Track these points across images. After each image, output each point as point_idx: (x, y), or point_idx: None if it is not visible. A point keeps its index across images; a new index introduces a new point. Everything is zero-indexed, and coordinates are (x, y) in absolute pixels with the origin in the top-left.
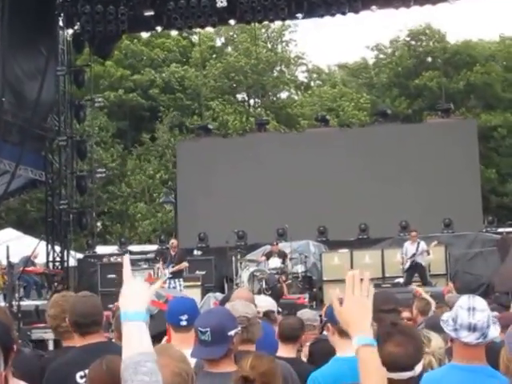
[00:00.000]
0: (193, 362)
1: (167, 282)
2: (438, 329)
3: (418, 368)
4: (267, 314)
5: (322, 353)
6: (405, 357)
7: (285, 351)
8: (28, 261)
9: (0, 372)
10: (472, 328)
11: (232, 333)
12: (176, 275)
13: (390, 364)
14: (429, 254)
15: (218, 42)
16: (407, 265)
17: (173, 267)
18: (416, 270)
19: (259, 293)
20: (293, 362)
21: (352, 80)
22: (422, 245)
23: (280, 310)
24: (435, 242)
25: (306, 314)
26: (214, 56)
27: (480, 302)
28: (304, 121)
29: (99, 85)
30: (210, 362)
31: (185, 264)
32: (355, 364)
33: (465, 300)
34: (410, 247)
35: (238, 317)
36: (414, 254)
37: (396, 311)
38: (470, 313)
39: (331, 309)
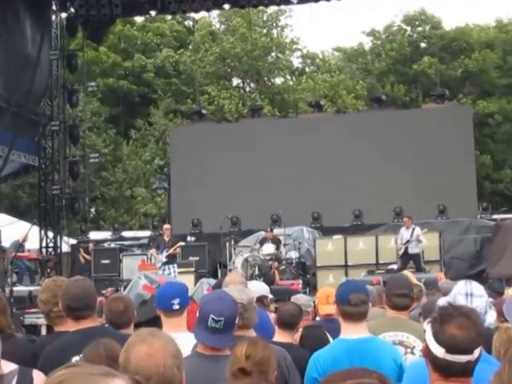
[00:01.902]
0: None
1: (161, 267)
2: None
3: (477, 352)
4: (260, 299)
5: (313, 337)
6: (466, 340)
7: (281, 337)
8: (19, 245)
9: None
10: None
11: (236, 321)
12: (170, 260)
13: (450, 346)
14: (421, 241)
15: (216, 27)
16: (401, 251)
17: (167, 251)
18: (410, 257)
19: (251, 278)
20: (288, 347)
21: (348, 66)
22: (417, 231)
23: (272, 296)
24: (425, 230)
25: (300, 299)
26: (210, 41)
27: (477, 288)
28: (298, 105)
29: (91, 71)
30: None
31: (180, 243)
32: (354, 346)
33: (462, 286)
34: (404, 233)
35: None
36: (408, 241)
37: (409, 297)
38: (468, 298)
39: (341, 290)
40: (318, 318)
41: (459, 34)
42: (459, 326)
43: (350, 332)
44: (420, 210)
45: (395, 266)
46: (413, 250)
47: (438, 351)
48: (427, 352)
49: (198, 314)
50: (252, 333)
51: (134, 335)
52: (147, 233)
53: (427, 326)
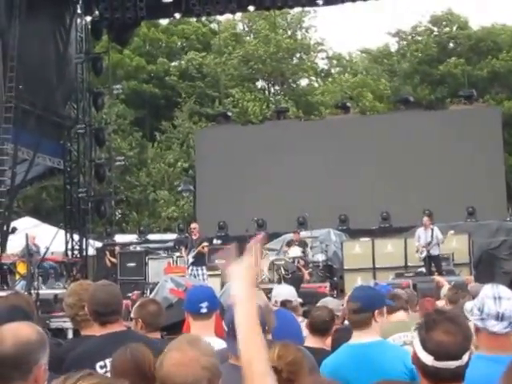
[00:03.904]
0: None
1: (189, 268)
2: None
3: (466, 357)
4: (284, 304)
5: (343, 341)
6: (454, 345)
7: (313, 342)
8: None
9: (41, 364)
10: (500, 317)
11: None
12: (199, 262)
13: (438, 353)
14: (442, 242)
15: (240, 29)
16: (423, 254)
17: (194, 251)
18: (431, 259)
19: (279, 281)
20: (320, 352)
21: (374, 67)
22: (436, 231)
23: (300, 300)
24: (452, 232)
25: (330, 302)
26: (234, 44)
27: (505, 291)
28: (323, 107)
29: (115, 75)
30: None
31: (204, 244)
32: (359, 351)
33: (489, 289)
34: (423, 234)
35: None
36: (429, 243)
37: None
38: (497, 301)
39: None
40: (346, 322)
41: (486, 34)
42: (445, 331)
43: (357, 337)
44: (449, 212)
45: (425, 269)
46: (434, 251)
47: (426, 359)
48: (416, 359)
49: (225, 327)
50: (269, 337)
51: (174, 340)
52: (173, 236)
53: (414, 333)
